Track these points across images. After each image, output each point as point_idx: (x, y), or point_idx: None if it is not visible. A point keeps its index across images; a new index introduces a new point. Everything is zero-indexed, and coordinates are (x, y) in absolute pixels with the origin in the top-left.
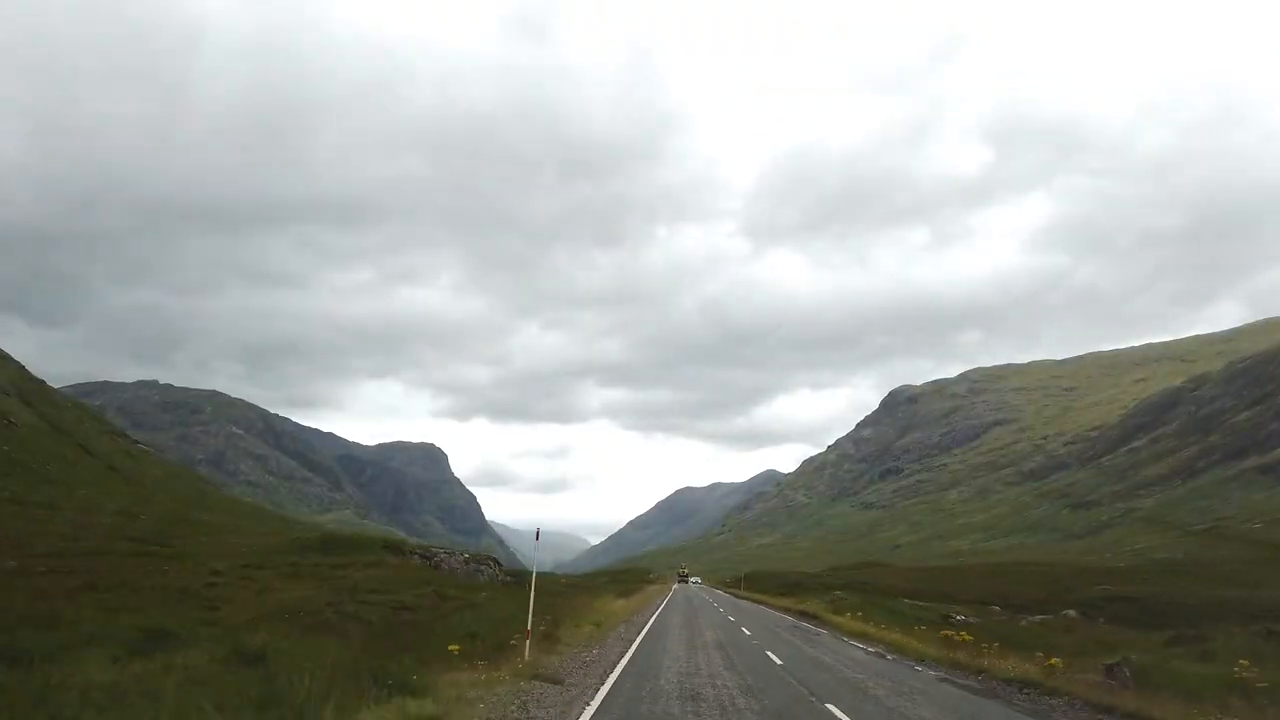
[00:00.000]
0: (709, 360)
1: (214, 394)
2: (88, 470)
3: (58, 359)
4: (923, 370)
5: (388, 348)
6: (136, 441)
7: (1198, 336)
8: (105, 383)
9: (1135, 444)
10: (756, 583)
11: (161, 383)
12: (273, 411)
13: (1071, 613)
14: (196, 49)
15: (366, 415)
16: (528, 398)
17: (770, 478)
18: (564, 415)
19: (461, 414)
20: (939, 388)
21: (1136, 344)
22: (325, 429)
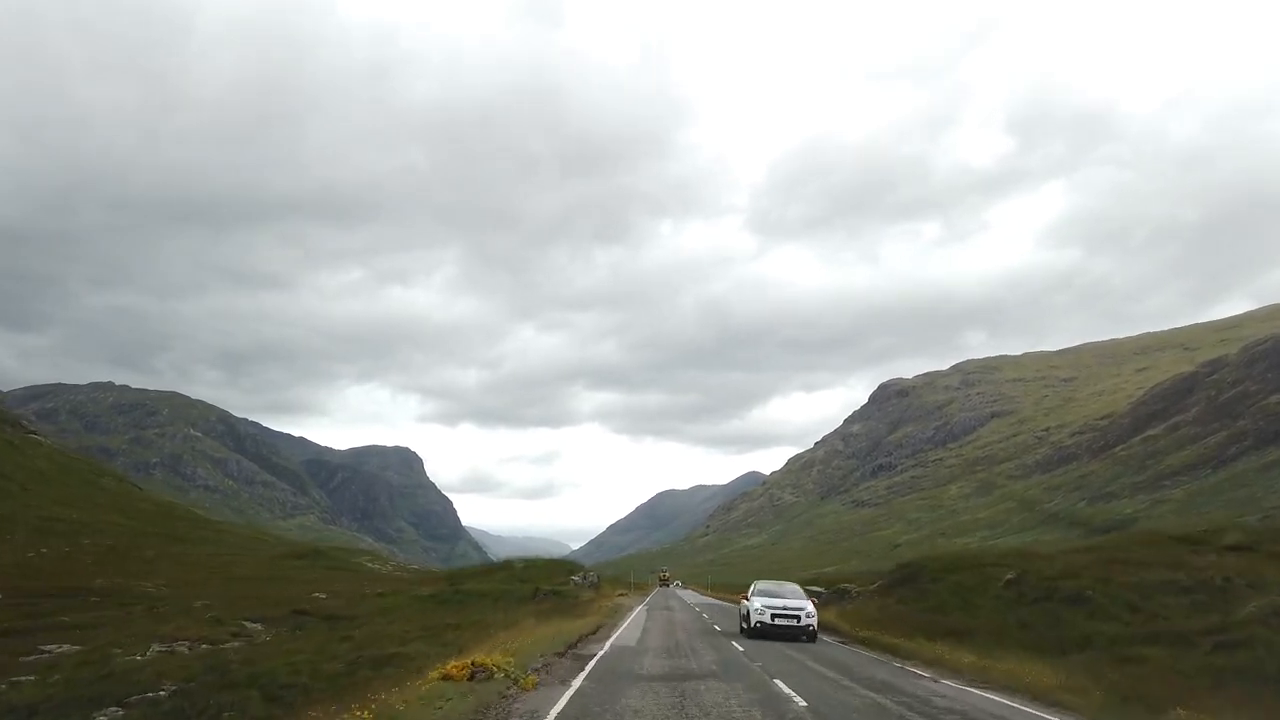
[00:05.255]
0: (705, 363)
1: (172, 395)
2: None
3: (31, 364)
4: (921, 369)
5: (375, 351)
6: (32, 433)
7: (1198, 324)
8: (59, 384)
9: (1151, 432)
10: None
11: (118, 384)
12: (239, 415)
13: None
14: (185, 33)
15: (350, 421)
16: (517, 402)
17: (754, 479)
18: (554, 420)
19: (449, 419)
20: (930, 380)
21: (1135, 333)
22: (302, 434)
